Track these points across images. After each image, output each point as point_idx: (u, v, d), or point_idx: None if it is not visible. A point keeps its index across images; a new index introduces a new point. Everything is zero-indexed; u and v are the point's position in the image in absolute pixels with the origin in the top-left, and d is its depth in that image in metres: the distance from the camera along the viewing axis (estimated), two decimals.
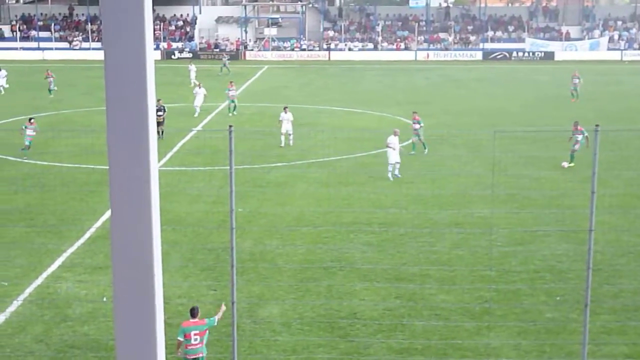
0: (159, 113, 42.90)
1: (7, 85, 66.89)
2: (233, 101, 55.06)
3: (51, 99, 62.11)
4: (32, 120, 40.91)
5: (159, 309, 2.44)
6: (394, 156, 35.70)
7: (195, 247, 26.05)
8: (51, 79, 63.93)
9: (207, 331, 17.53)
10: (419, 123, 41.22)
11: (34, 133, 40.39)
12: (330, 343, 19.87)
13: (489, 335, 20.31)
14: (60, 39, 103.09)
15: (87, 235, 28.01)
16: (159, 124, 41.63)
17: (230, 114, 54.25)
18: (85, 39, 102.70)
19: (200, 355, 17.41)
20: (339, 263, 25.21)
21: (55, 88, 64.23)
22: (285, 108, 44.38)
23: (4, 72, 63.73)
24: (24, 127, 40.28)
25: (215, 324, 17.78)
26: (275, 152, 39.53)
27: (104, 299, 22.37)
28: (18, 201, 32.02)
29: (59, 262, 25.46)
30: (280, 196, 33.03)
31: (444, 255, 26.06)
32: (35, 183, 33.79)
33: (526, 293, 22.99)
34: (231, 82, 57.81)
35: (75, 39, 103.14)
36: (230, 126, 15.13)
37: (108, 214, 30.22)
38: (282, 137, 42.87)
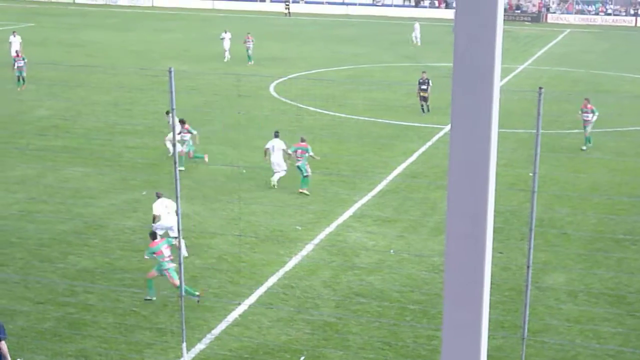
0: (423, 87, 40.51)
1: (251, 45, 58.19)
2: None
3: (250, 65, 56.60)
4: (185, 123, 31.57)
5: (487, 269, 2.48)
6: None
7: None
8: (250, 44, 57.92)
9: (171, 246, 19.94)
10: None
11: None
12: (617, 318, 19.25)
13: None
14: None
15: (378, 188, 28.64)
16: (424, 98, 40.58)
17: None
18: None
19: (173, 265, 19.53)
20: (632, 236, 24.27)
21: (251, 55, 57.83)
22: None
23: (228, 35, 60.74)
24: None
25: (172, 243, 20.04)
26: (571, 117, 38.45)
27: (391, 251, 22.84)
28: (314, 150, 33.20)
29: (350, 211, 26.24)
30: (574, 163, 32.18)
31: None
32: (331, 133, 34.89)
33: None
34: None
35: None
36: (541, 88, 14.79)
37: (400, 168, 30.90)
38: None
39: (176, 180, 15.73)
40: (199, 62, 56.69)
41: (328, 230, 24.60)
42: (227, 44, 58.68)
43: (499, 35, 2.33)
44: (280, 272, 21.45)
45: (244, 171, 29.45)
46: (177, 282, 18.73)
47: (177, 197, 16.02)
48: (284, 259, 22.30)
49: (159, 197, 22.93)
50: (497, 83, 2.39)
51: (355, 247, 23.20)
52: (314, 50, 65.88)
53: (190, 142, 30.68)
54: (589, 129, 34.30)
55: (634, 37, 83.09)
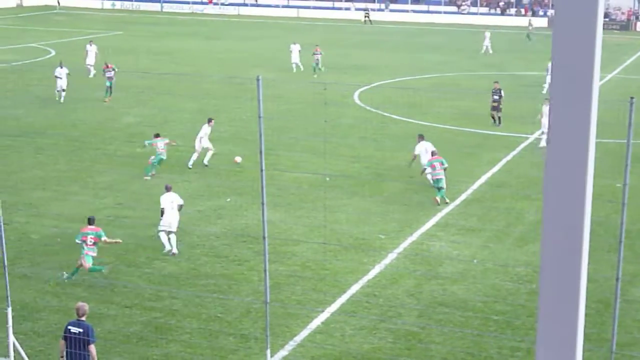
0: (495, 97, 39.39)
1: (319, 57, 56.90)
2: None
3: (314, 78, 53.95)
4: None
5: (582, 284, 2.45)
6: None
7: None
8: (318, 55, 56.35)
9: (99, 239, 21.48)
10: None
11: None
12: None
13: None
14: (449, 3, 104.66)
15: (463, 197, 28.46)
16: (496, 109, 39.68)
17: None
18: (474, 4, 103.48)
19: (93, 254, 21.35)
20: None
21: (322, 68, 56.63)
22: None
23: (297, 47, 59.39)
24: None
25: (103, 238, 21.48)
26: None
27: (475, 261, 22.66)
28: (400, 158, 33.16)
29: (433, 220, 26.13)
30: None
31: None
32: (415, 141, 34.77)
33: None
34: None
35: (463, 3, 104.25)
36: (632, 97, 14.52)
37: (484, 177, 30.64)
38: None
39: (262, 187, 15.84)
40: (284, 70, 57.02)
41: (411, 239, 24.53)
42: (295, 57, 57.18)
43: (598, 45, 2.31)
44: (364, 281, 21.45)
45: (328, 179, 29.54)
46: (87, 266, 21.22)
47: (262, 204, 16.13)
48: (367, 268, 22.29)
49: (167, 190, 23.79)
50: (596, 93, 2.38)
51: (439, 257, 23.08)
52: (397, 58, 65.77)
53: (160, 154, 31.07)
54: None
55: None
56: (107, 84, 45.12)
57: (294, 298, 20.31)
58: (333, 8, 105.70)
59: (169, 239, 23.14)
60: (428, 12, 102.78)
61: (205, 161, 31.82)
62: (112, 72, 44.97)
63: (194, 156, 31.72)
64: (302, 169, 30.90)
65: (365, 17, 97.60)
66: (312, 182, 29.50)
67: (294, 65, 57.36)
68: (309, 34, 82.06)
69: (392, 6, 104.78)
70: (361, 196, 28.31)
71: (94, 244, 21.47)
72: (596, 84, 2.34)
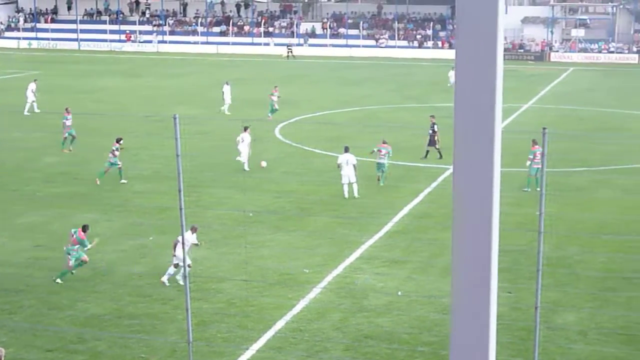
0: (429, 132, 39.86)
1: (276, 99, 53.98)
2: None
3: (269, 119, 51.78)
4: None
5: (493, 306, 2.47)
6: None
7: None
8: (275, 97, 53.46)
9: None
10: None
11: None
12: (629, 356, 19.13)
13: None
14: (368, 37, 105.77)
15: (386, 229, 28.61)
16: (432, 142, 39.65)
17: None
18: (392, 37, 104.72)
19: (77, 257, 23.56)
20: None
21: (277, 108, 53.25)
22: None
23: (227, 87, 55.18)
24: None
25: (87, 247, 23.73)
26: (578, 155, 38.48)
27: (399, 293, 22.76)
28: (322, 192, 33.26)
29: (357, 253, 26.20)
30: (582, 201, 32.13)
31: None
32: (339, 175, 34.90)
33: None
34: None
35: (382, 37, 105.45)
36: (544, 128, 14.83)
37: (407, 209, 30.88)
38: None
39: (182, 226, 15.72)
40: (208, 107, 56.88)
41: (336, 272, 24.55)
42: (227, 97, 55.15)
43: (499, 76, 2.34)
44: (289, 316, 21.37)
45: (251, 214, 29.45)
46: (71, 267, 23.45)
47: (183, 243, 15.99)
48: (293, 303, 22.22)
49: (193, 231, 24.15)
50: (499, 122, 2.41)
51: (364, 289, 23.13)
52: (318, 92, 66.14)
53: (114, 160, 34.86)
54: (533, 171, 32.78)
55: (638, 75, 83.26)
56: (72, 132, 42.24)
57: (219, 336, 20.14)
58: (252, 44, 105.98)
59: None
60: (347, 46, 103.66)
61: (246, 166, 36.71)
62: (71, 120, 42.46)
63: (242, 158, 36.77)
64: (226, 206, 30.77)
65: (288, 51, 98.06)
66: (235, 219, 29.38)
67: (226, 107, 54.93)
68: (231, 70, 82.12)
69: (311, 41, 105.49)
70: (285, 231, 28.30)
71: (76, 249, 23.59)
72: (498, 114, 2.38)
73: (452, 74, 69.63)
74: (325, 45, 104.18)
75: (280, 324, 20.85)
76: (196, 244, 23.87)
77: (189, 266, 21.82)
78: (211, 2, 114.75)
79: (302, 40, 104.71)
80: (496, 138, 2.35)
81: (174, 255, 23.26)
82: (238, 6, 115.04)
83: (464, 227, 2.45)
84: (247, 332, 20.38)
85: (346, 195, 32.33)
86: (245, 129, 37.76)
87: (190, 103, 58.53)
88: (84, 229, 24.16)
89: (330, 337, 20.10)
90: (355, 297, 22.66)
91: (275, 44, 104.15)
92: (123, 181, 34.76)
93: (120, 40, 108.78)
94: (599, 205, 31.65)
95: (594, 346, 19.55)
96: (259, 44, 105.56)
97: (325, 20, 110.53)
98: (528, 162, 33.59)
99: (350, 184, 32.44)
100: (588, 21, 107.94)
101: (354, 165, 32.50)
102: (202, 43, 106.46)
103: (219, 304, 22.12)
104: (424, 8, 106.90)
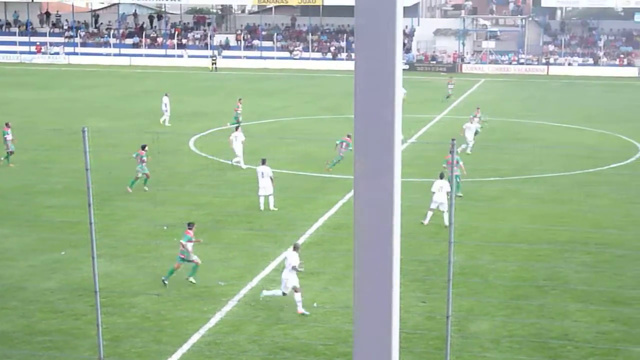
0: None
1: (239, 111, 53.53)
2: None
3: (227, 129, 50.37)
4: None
5: (395, 314, 2.47)
6: None
7: (406, 257, 25.91)
8: (239, 110, 53.13)
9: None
10: None
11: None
12: None
13: None
14: (282, 49, 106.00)
15: (301, 240, 28.57)
16: None
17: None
18: (306, 49, 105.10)
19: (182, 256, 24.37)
20: (552, 282, 24.63)
21: (241, 120, 51.37)
22: None
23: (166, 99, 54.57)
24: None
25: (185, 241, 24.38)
26: (490, 165, 39.09)
27: (315, 305, 22.77)
28: (237, 205, 33.15)
29: (273, 265, 26.14)
30: (494, 211, 32.60)
31: None
32: (253, 187, 34.83)
33: None
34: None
35: (295, 48, 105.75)
36: (453, 139, 15.03)
37: (322, 220, 30.94)
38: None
39: (92, 240, 15.50)
40: (120, 119, 56.28)
41: (252, 284, 24.45)
42: (166, 108, 54.68)
43: (399, 87, 2.35)
44: (204, 329, 21.20)
45: (166, 227, 29.17)
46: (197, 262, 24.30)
47: (92, 257, 15.76)
48: (208, 316, 22.05)
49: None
50: (399, 132, 2.42)
51: (280, 301, 23.07)
52: (234, 104, 65.93)
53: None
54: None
55: (547, 86, 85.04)
56: (12, 147, 40.49)
57: (133, 351, 19.87)
58: (166, 56, 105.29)
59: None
60: (261, 57, 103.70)
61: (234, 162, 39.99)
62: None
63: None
64: (141, 219, 30.44)
65: (212, 63, 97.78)
66: (150, 232, 29.08)
67: (167, 119, 54.64)
68: (144, 82, 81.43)
69: (225, 52, 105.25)
70: (201, 244, 28.06)
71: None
72: (398, 124, 2.38)
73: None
74: (240, 57, 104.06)
75: (195, 338, 20.67)
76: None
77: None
78: (123, 13, 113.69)
79: (216, 52, 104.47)
80: (396, 149, 2.36)
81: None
82: (151, 18, 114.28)
83: (364, 239, 2.45)
84: (162, 346, 20.16)
85: (262, 207, 32.31)
86: (237, 128, 42.20)
87: (101, 115, 57.83)
88: (190, 226, 24.88)
89: (245, 350, 20.01)
90: (271, 310, 22.59)
91: (189, 56, 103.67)
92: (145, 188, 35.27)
93: (30, 52, 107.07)
94: (511, 214, 32.16)
95: (506, 354, 19.81)
96: (173, 56, 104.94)
97: (239, 32, 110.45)
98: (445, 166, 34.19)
99: (266, 196, 32.39)
100: (498, 33, 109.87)
101: (270, 178, 32.40)
102: (115, 55, 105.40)
103: (133, 318, 21.84)
104: (337, 20, 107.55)
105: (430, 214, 30.48)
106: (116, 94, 71.58)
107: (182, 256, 24.27)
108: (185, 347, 20.12)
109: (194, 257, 24.30)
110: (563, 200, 34.49)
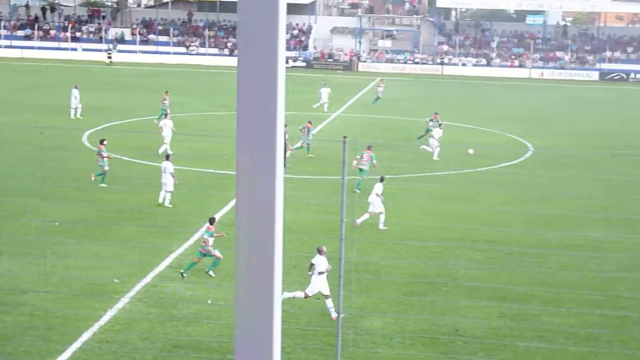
0: None
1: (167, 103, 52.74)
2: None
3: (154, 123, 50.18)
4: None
5: (277, 311, 2.47)
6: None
7: (299, 254, 26.06)
8: (166, 101, 52.52)
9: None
10: None
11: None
12: (431, 358, 19.74)
13: None
14: (178, 44, 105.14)
15: (195, 236, 28.43)
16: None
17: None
18: (202, 45, 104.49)
19: (202, 251, 24.93)
20: (443, 279, 25.04)
21: (168, 112, 49.12)
22: None
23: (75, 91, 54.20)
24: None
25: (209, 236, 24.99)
26: (385, 164, 39.47)
27: (209, 302, 22.68)
28: (130, 201, 32.77)
29: (167, 262, 25.94)
30: (387, 209, 32.93)
31: (550, 276, 25.65)
32: (146, 183, 34.47)
33: (634, 320, 22.43)
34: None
35: (192, 44, 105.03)
36: (345, 137, 15.17)
37: (217, 217, 30.76)
38: None
39: None
40: (7, 113, 54.97)
41: (144, 281, 24.20)
42: (76, 100, 54.38)
43: (281, 81, 2.35)
44: (96, 327, 20.89)
45: (57, 223, 28.63)
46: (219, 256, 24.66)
47: None
48: (100, 313, 21.74)
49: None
50: (281, 127, 2.42)
51: (173, 298, 22.90)
52: (128, 99, 65.15)
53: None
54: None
55: (441, 85, 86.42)
56: None
57: (21, 350, 19.46)
58: (59, 49, 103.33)
59: None
60: (157, 52, 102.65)
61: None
62: None
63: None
64: (30, 215, 29.78)
65: (108, 57, 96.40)
66: (40, 228, 28.46)
67: (72, 110, 54.46)
68: (35, 76, 79.83)
69: (120, 47, 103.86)
70: (92, 240, 27.66)
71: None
72: (281, 120, 2.39)
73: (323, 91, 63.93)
74: (135, 52, 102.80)
75: (86, 336, 20.35)
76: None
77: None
78: (15, 4, 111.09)
79: (111, 46, 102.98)
80: (278, 145, 2.36)
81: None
82: (44, 9, 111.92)
83: (246, 236, 2.45)
84: (52, 344, 19.79)
85: (160, 200, 32.10)
86: (166, 115, 44.45)
87: None
88: (211, 221, 25.46)
89: (138, 348, 19.79)
90: (163, 307, 22.40)
91: (84, 49, 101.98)
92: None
93: None
94: (404, 212, 32.54)
95: (398, 349, 20.07)
96: (67, 49, 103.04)
97: (134, 26, 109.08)
98: (355, 162, 34.82)
99: (165, 192, 32.19)
100: (394, 32, 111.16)
101: (171, 174, 32.18)
102: (6, 47, 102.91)
103: (21, 316, 21.38)
104: (234, 16, 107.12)
105: (366, 216, 30.72)
106: (4, 88, 69.90)
107: (203, 251, 24.78)
108: (76, 345, 19.80)
109: (216, 252, 24.68)
110: (455, 198, 35.09)
